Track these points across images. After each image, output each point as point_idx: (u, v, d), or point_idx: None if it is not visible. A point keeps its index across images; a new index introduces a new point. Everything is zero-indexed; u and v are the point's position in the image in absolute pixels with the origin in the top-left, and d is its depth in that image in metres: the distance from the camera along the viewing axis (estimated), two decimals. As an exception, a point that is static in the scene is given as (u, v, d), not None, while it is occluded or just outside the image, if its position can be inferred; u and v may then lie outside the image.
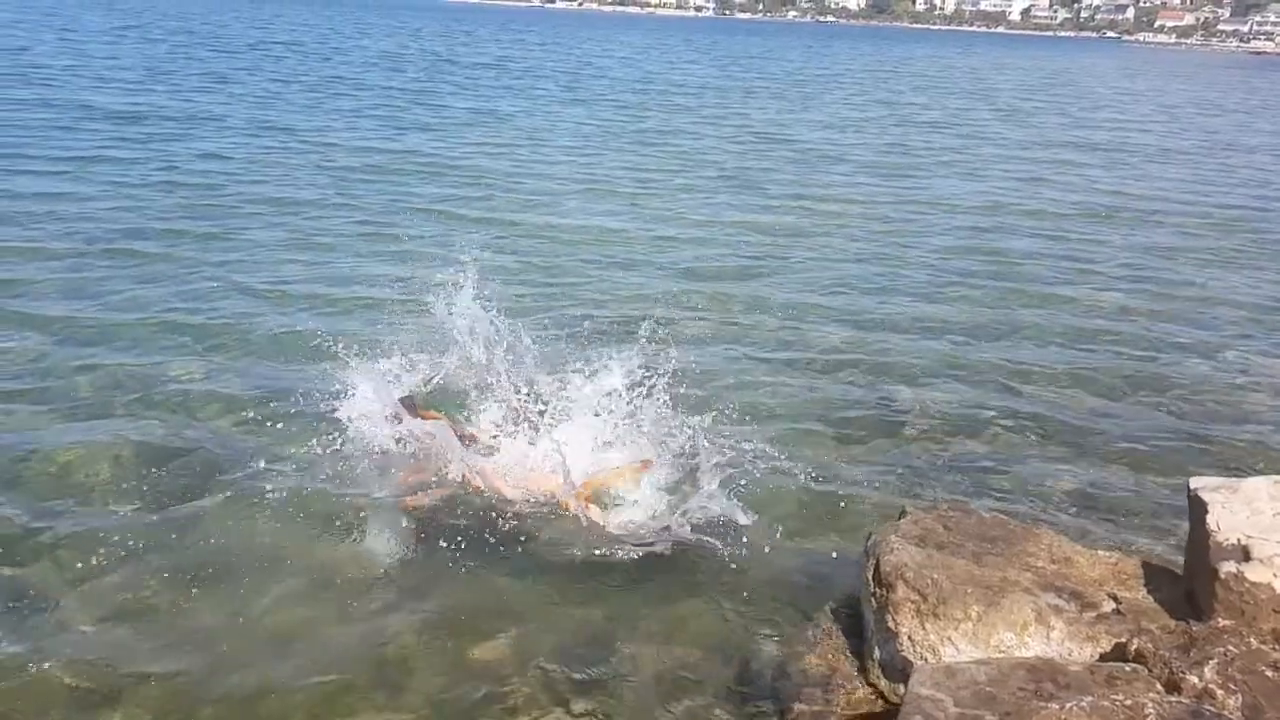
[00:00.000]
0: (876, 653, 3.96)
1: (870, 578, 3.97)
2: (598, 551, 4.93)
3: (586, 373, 6.12)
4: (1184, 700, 2.93)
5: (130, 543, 4.83)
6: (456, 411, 5.87)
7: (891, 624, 3.80)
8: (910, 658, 3.72)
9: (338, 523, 5.08)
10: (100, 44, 35.63)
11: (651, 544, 4.97)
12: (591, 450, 5.59)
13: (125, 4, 70.72)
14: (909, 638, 3.74)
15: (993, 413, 7.17)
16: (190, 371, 7.04)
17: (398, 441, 5.59)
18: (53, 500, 5.27)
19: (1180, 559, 3.96)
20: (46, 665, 4.02)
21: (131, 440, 5.88)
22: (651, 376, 6.16)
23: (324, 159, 15.93)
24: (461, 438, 5.61)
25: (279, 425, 5.98)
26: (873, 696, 3.93)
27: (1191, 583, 3.69)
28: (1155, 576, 3.84)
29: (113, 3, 70.44)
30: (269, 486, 5.28)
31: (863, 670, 4.04)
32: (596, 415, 5.80)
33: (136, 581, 4.58)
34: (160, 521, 5.04)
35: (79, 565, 4.67)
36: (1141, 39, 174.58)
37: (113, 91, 22.47)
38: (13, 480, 5.45)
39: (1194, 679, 3.01)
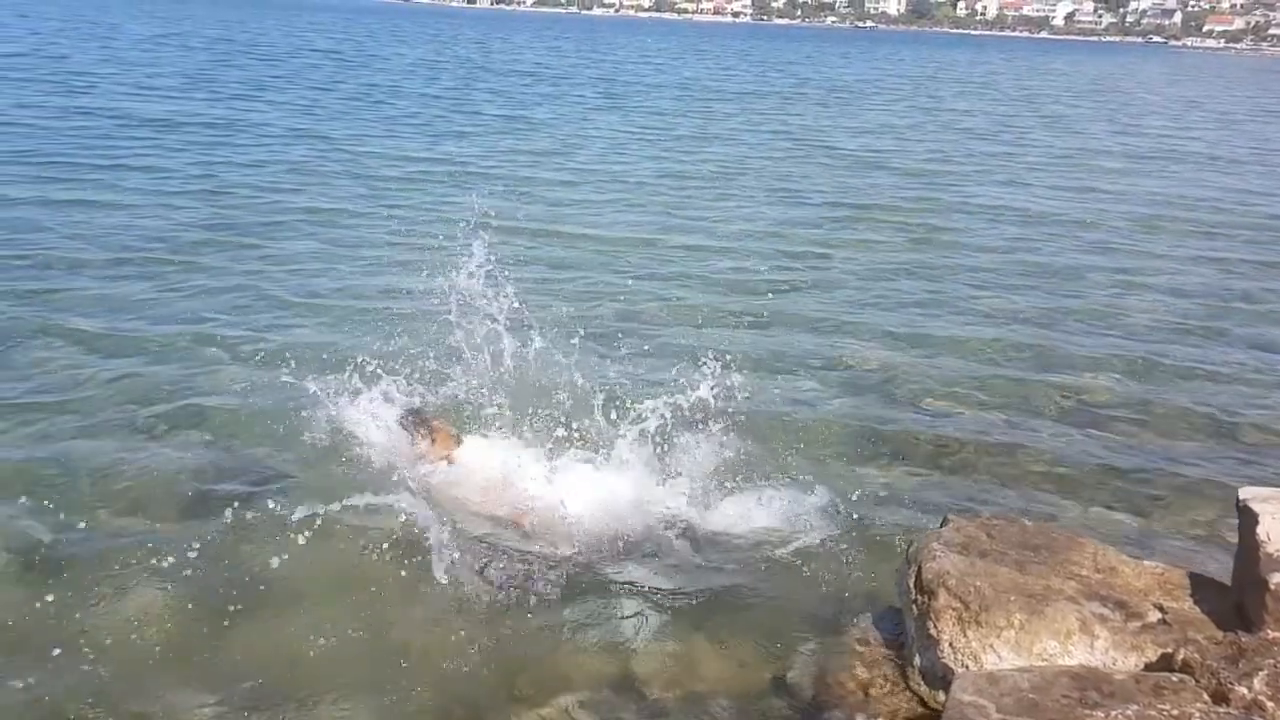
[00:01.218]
0: (917, 660, 3.96)
1: (911, 585, 3.96)
2: (630, 563, 4.94)
3: (617, 388, 6.12)
4: (1232, 711, 2.91)
5: (159, 563, 4.75)
6: (476, 426, 5.83)
7: (932, 631, 3.79)
8: (951, 665, 3.71)
9: (366, 546, 5.01)
10: (141, 52, 36.47)
11: (686, 557, 4.99)
12: (616, 466, 5.57)
13: (165, 12, 72.25)
14: (950, 645, 3.73)
15: (1036, 423, 7.11)
16: (222, 385, 6.98)
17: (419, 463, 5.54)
18: (80, 517, 5.20)
19: (1229, 570, 3.91)
20: (73, 696, 3.93)
21: (163, 457, 5.86)
22: (686, 389, 6.15)
23: (361, 167, 16.08)
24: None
25: (309, 444, 5.89)
26: (913, 704, 3.93)
27: (1240, 594, 3.64)
28: (1203, 587, 3.80)
29: (154, 11, 71.99)
30: (298, 506, 5.12)
31: (902, 678, 4.03)
32: (632, 430, 5.77)
33: (166, 605, 4.49)
34: (188, 541, 4.93)
35: (107, 589, 4.59)
36: (1189, 44, 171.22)
37: (153, 99, 22.93)
38: (41, 496, 5.38)
39: (1243, 690, 2.98)
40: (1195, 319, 9.93)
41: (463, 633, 4.47)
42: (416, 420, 5.78)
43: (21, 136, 16.54)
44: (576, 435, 5.77)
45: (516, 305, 6.06)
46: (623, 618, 4.59)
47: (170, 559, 4.77)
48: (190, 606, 4.50)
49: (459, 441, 5.69)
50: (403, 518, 5.10)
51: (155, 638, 4.28)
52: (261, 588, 4.64)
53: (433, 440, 5.70)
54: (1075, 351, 8.74)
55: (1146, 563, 4.04)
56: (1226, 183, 19.44)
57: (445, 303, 6.20)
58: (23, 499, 5.29)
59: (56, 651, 4.15)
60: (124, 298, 8.85)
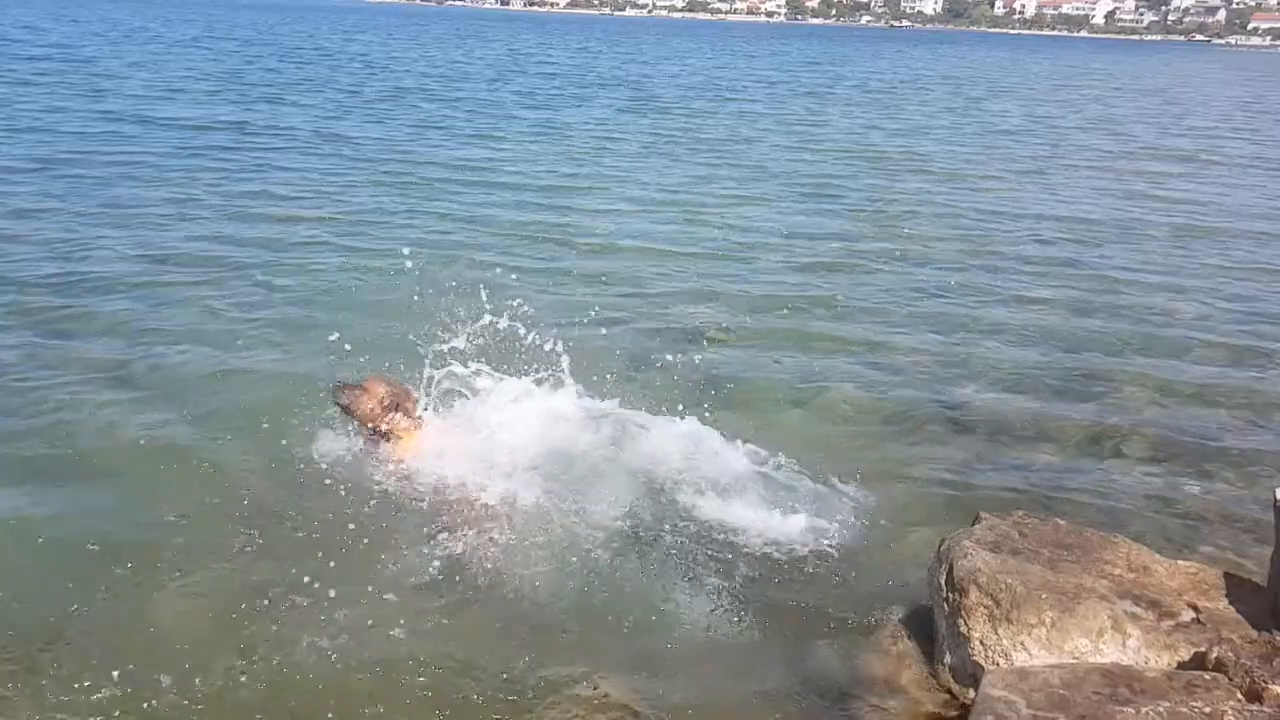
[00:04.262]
0: (946, 657, 3.98)
1: (942, 582, 3.98)
2: (656, 555, 4.96)
3: (640, 388, 6.14)
4: (1266, 710, 2.90)
5: (181, 576, 4.71)
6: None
7: (963, 628, 3.81)
8: (981, 662, 3.73)
9: (383, 557, 4.93)
10: (172, 55, 36.83)
11: (712, 553, 5.01)
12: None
13: (195, 15, 73.06)
14: (980, 642, 3.75)
15: (1073, 423, 7.05)
16: (233, 410, 6.54)
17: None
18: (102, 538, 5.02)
19: (1264, 571, 3.88)
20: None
21: (178, 486, 5.59)
22: (717, 388, 6.20)
23: (388, 172, 15.96)
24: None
25: (326, 462, 5.75)
26: (942, 701, 3.95)
27: (1276, 594, 3.62)
28: (1237, 588, 3.78)
29: (183, 15, 72.63)
30: (319, 514, 5.21)
31: (932, 675, 4.06)
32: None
33: (183, 631, 4.38)
34: (209, 559, 4.88)
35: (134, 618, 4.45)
36: (1233, 42, 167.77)
37: (182, 103, 23.09)
38: (69, 518, 5.24)
39: (1277, 689, 2.98)
40: (1237, 322, 9.75)
41: (476, 628, 4.43)
42: (347, 390, 5.69)
43: (43, 144, 16.58)
44: (594, 431, 5.81)
45: (535, 314, 6.04)
46: (644, 613, 4.56)
47: (198, 576, 4.73)
48: (207, 630, 4.39)
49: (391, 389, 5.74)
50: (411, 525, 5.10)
51: (172, 662, 4.14)
52: (271, 602, 4.57)
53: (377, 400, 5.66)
54: (1113, 352, 8.66)
55: (1180, 562, 4.02)
56: (1275, 186, 18.95)
57: (469, 316, 6.16)
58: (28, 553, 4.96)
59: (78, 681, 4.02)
60: (140, 318, 8.38)
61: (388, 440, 5.68)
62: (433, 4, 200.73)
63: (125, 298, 8.87)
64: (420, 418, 5.73)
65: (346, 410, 5.68)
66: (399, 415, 5.65)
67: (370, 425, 5.68)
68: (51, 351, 7.52)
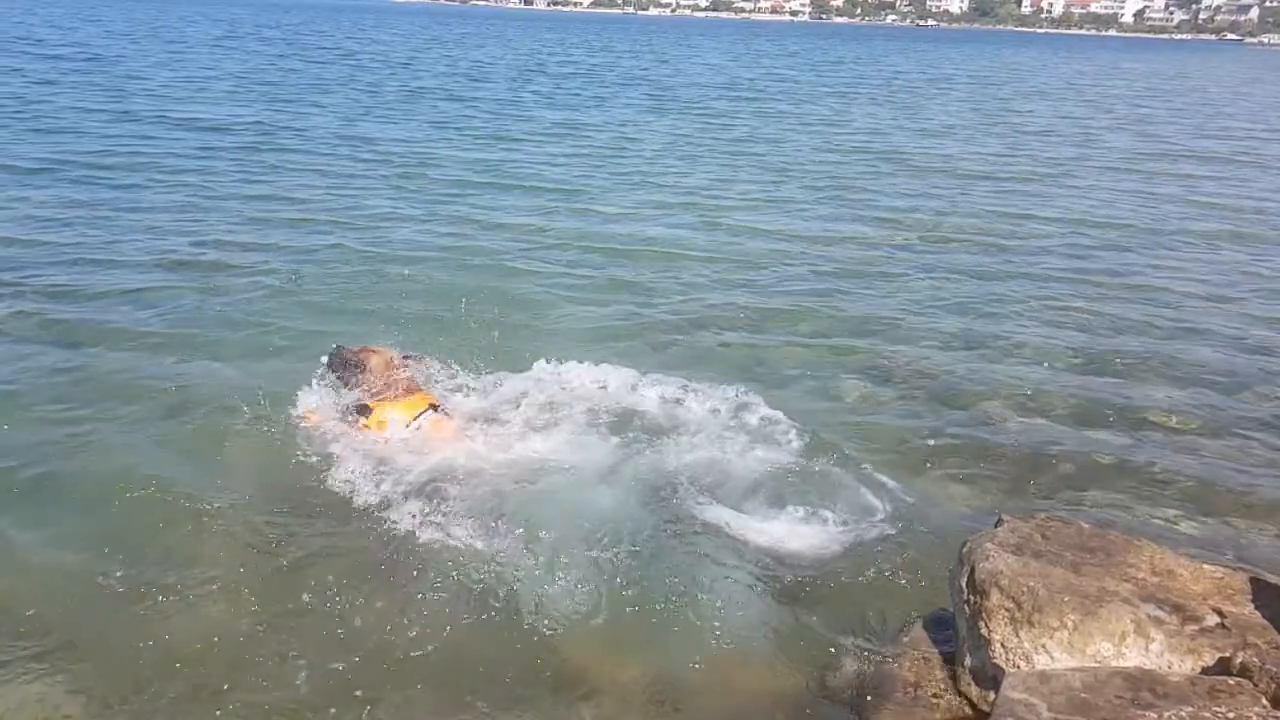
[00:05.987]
0: (967, 660, 3.95)
1: (964, 584, 3.96)
2: (669, 561, 4.95)
3: (662, 392, 6.12)
4: (1291, 716, 2.87)
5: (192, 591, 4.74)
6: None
7: (984, 631, 3.79)
8: (1002, 665, 3.70)
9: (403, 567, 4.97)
10: (195, 55, 37.24)
11: (732, 558, 5.00)
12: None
13: (220, 15, 73.49)
14: (1002, 645, 3.72)
15: (1096, 430, 7.00)
16: (238, 414, 6.43)
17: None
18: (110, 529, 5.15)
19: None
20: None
21: (191, 509, 5.50)
22: (738, 391, 6.19)
23: (406, 173, 15.99)
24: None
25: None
26: (962, 704, 3.92)
27: (1303, 601, 3.58)
28: (1263, 592, 3.73)
29: (208, 13, 73.13)
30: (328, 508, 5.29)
31: (952, 678, 4.03)
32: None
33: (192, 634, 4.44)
34: (207, 573, 4.89)
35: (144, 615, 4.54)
36: (1266, 41, 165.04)
37: (202, 102, 23.28)
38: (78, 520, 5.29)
39: (1302, 696, 2.94)
40: (1265, 327, 9.61)
41: (490, 639, 4.41)
42: (344, 360, 5.96)
43: (61, 144, 16.68)
44: (619, 441, 5.84)
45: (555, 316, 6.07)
46: (665, 619, 4.57)
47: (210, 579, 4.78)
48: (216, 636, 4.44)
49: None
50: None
51: (170, 681, 4.19)
52: (280, 599, 4.62)
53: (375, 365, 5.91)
54: (1141, 361, 8.53)
55: (1206, 566, 3.97)
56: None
57: (485, 319, 6.20)
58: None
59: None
60: (151, 325, 8.29)
61: (361, 414, 5.87)
62: (456, 4, 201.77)
63: (135, 304, 8.82)
64: (370, 410, 5.85)
65: (333, 373, 6.03)
66: (362, 413, 5.84)
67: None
68: (59, 360, 7.48)
